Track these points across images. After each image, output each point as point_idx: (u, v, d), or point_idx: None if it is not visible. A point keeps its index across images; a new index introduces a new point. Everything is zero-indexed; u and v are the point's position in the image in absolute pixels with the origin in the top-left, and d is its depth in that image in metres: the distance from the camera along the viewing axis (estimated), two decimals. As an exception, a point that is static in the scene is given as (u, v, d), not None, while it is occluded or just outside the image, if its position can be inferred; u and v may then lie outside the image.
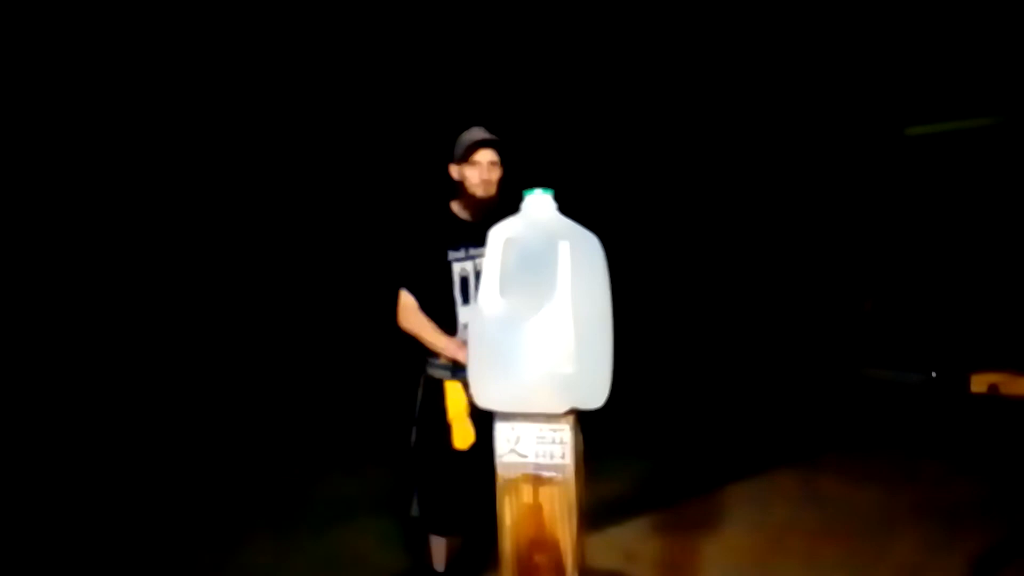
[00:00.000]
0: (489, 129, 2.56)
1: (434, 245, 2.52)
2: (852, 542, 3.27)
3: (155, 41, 6.90)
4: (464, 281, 2.52)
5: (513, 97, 7.76)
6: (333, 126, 8.03)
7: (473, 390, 1.90)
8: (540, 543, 1.83)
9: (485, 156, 2.49)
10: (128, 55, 6.88)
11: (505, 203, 2.29)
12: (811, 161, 7.79)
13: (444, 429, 2.46)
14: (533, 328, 1.80)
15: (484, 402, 1.87)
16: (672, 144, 8.44)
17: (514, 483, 1.86)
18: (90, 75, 6.81)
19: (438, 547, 2.74)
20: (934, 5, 6.45)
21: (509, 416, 1.85)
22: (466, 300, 2.52)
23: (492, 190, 2.50)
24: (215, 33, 7.02)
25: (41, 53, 6.53)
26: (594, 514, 2.15)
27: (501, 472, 1.87)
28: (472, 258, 2.51)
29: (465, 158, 2.49)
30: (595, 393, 1.85)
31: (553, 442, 1.82)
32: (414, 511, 2.65)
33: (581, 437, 1.86)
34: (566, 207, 2.40)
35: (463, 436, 2.42)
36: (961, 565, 3.00)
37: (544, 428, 1.82)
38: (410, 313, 2.53)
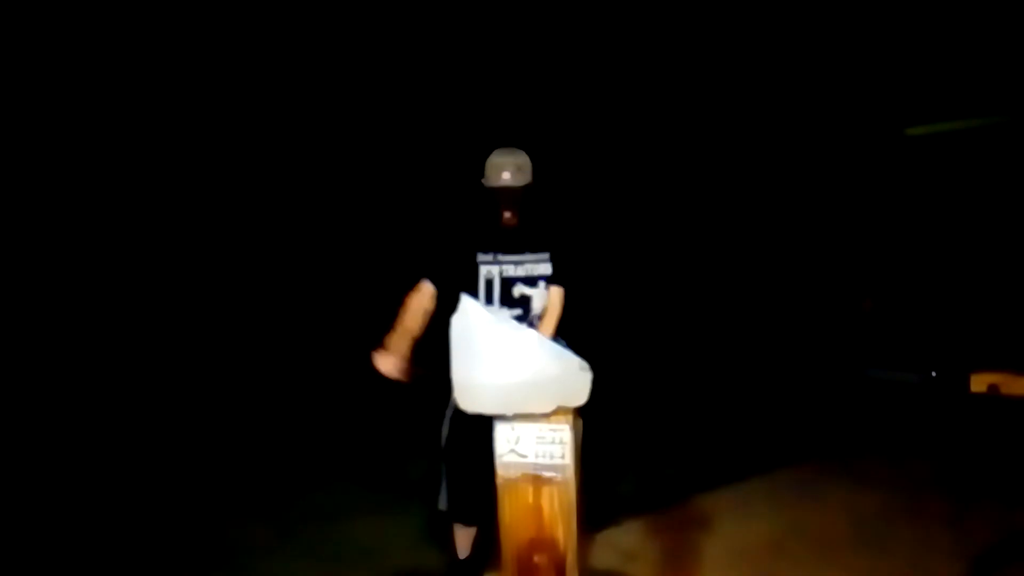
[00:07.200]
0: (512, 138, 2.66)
1: (465, 245, 2.67)
2: (852, 543, 3.27)
3: (162, 41, 6.89)
4: (489, 283, 2.66)
5: (517, 98, 7.75)
6: (350, 128, 8.02)
7: (457, 395, 1.90)
8: (540, 543, 1.83)
9: (510, 196, 2.62)
10: (128, 55, 6.87)
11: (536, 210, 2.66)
12: (812, 161, 7.78)
13: (475, 427, 2.50)
14: (515, 332, 1.83)
15: (470, 407, 1.87)
16: (674, 145, 8.43)
17: (514, 483, 1.86)
18: (90, 75, 6.80)
19: (463, 537, 2.86)
20: (934, 5, 6.45)
21: (509, 416, 1.85)
22: (488, 301, 2.65)
23: (515, 221, 2.66)
24: (251, 32, 7.00)
25: (41, 53, 6.53)
26: (594, 514, 2.15)
27: (501, 472, 1.87)
28: (499, 263, 2.66)
29: (492, 188, 2.64)
30: (577, 391, 1.85)
31: (553, 442, 1.82)
32: (442, 504, 2.78)
33: (581, 436, 1.86)
34: (571, 208, 2.46)
35: None
36: (962, 566, 2.99)
37: (544, 428, 1.82)
38: (412, 301, 2.65)
